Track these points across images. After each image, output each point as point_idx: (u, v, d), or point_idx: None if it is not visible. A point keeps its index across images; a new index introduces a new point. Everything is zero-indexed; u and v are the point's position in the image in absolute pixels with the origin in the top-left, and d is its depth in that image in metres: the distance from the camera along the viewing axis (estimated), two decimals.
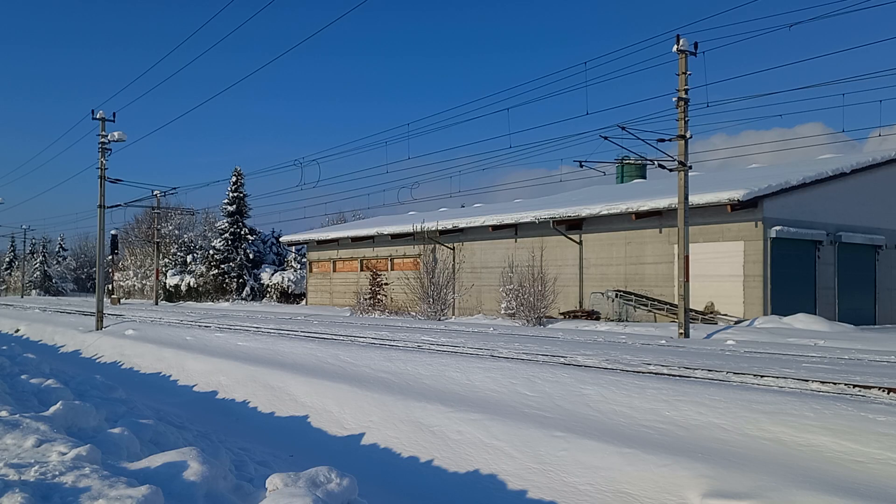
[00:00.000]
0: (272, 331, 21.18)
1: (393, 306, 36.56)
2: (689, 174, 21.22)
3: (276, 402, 12.28)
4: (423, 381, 11.62)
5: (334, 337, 18.79)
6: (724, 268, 25.53)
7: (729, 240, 25.59)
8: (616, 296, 28.10)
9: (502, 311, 29.10)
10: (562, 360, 12.72)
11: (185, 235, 65.87)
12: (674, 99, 20.10)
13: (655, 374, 10.80)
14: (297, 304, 50.25)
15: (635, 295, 27.82)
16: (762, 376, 10.37)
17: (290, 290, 53.92)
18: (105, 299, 32.69)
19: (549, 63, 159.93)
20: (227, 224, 56.36)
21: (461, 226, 35.10)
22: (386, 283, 37.75)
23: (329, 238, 45.14)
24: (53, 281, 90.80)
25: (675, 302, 24.35)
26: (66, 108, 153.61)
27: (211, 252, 57.04)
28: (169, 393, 14.72)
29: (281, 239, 53.45)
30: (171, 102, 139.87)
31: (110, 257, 65.17)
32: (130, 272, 74.10)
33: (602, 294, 28.69)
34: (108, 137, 26.09)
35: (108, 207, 27.28)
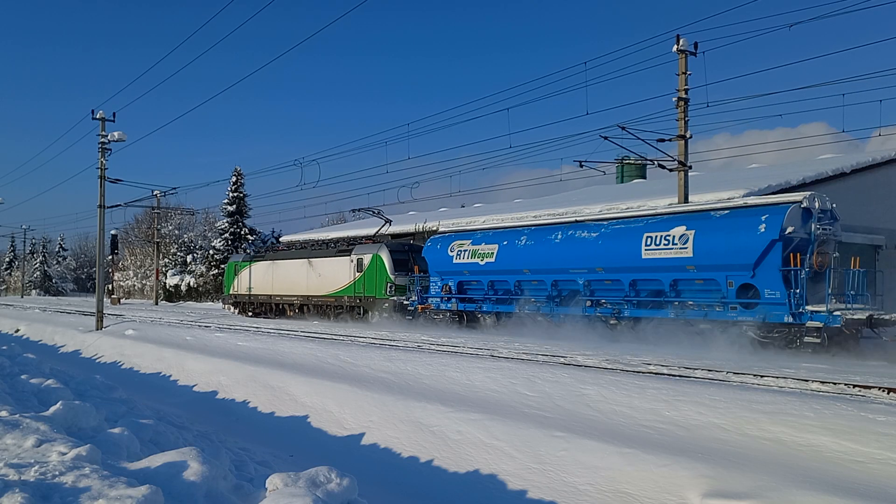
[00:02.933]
0: (272, 331, 21.18)
1: None
2: (690, 174, 21.22)
3: (276, 402, 12.28)
4: (423, 381, 11.62)
5: (334, 337, 18.80)
6: None
7: None
8: None
9: None
10: (562, 359, 12.72)
11: (185, 235, 65.86)
12: (674, 99, 20.11)
13: (655, 374, 10.80)
14: None
15: None
16: (762, 376, 10.38)
17: None
18: (105, 299, 32.69)
19: (549, 63, 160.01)
20: (227, 224, 56.36)
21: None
22: None
23: (329, 238, 45.13)
24: (53, 281, 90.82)
25: None
26: (66, 108, 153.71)
27: (211, 252, 57.04)
28: (169, 393, 14.73)
29: (281, 239, 53.44)
30: (171, 102, 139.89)
31: (110, 257, 65.17)
32: (130, 272, 74.11)
33: None
34: (108, 137, 26.11)
35: (108, 207, 27.29)
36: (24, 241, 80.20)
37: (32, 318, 34.17)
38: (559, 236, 18.84)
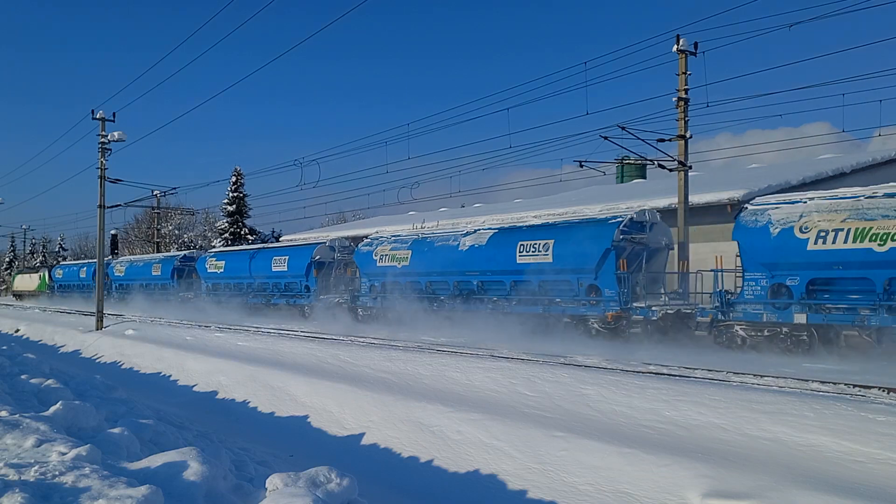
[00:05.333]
0: (272, 331, 21.18)
1: None
2: (690, 174, 21.22)
3: (276, 402, 12.29)
4: (423, 381, 11.62)
5: (334, 337, 18.80)
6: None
7: (729, 240, 25.54)
8: None
9: None
10: (561, 359, 12.72)
11: (185, 235, 65.85)
12: (674, 99, 20.10)
13: (655, 374, 10.80)
14: None
15: None
16: (762, 376, 10.38)
17: None
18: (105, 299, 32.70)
19: (550, 63, 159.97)
20: (227, 224, 56.33)
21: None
22: None
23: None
24: None
25: None
26: (67, 109, 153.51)
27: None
28: (169, 393, 14.73)
29: (281, 239, 53.44)
30: (171, 102, 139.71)
31: (110, 257, 65.19)
32: None
33: None
34: (108, 137, 26.11)
35: (108, 207, 27.29)
36: (24, 241, 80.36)
37: (32, 318, 34.19)
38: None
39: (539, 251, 18.94)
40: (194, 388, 14.75)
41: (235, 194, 56.45)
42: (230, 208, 56.33)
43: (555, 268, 18.47)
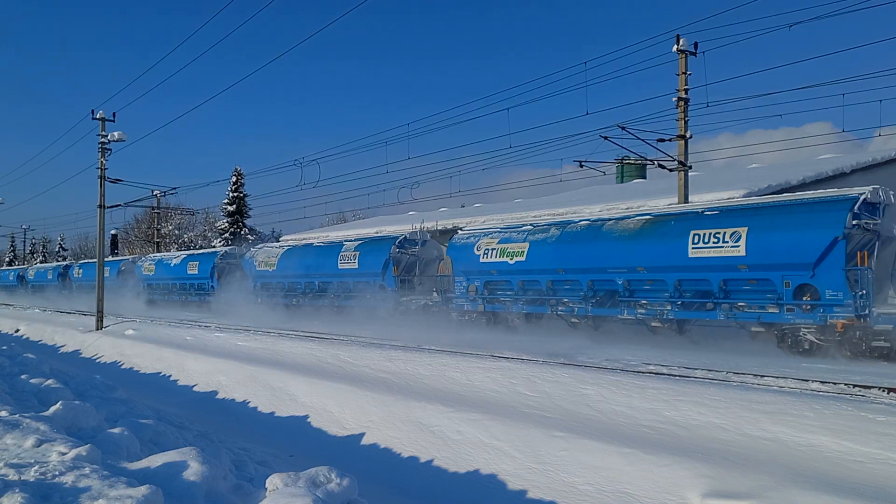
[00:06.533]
0: (272, 331, 21.17)
1: None
2: (690, 174, 21.21)
3: (276, 402, 12.28)
4: (423, 381, 11.62)
5: (334, 337, 18.79)
6: None
7: None
8: None
9: None
10: (562, 359, 12.71)
11: (185, 235, 65.82)
12: (674, 99, 20.10)
13: (655, 374, 10.79)
14: None
15: None
16: (762, 376, 10.38)
17: None
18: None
19: (550, 63, 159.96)
20: (227, 224, 56.31)
21: (461, 226, 35.03)
22: None
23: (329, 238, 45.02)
24: None
25: None
26: (67, 109, 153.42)
27: None
28: (169, 393, 14.73)
29: (281, 239, 53.38)
30: (171, 102, 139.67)
31: (110, 257, 65.26)
32: None
33: None
34: (108, 137, 26.10)
35: (108, 207, 27.28)
36: (24, 241, 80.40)
37: (32, 318, 34.18)
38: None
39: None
40: (194, 388, 14.74)
41: (235, 194, 56.42)
42: (230, 208, 56.30)
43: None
